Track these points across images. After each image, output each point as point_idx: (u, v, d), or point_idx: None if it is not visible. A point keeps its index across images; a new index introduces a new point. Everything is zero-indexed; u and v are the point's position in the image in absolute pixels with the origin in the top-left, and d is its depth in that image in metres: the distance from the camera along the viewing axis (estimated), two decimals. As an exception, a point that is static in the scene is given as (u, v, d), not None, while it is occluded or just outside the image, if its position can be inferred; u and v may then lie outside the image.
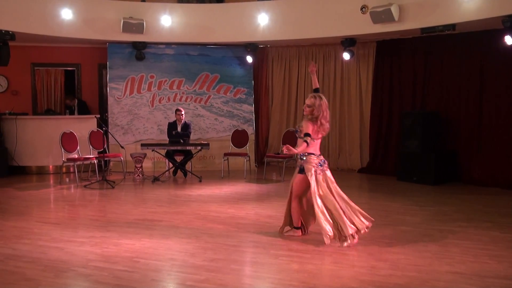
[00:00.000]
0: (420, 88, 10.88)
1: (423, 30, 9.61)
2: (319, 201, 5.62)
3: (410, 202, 8.11)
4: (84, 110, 12.33)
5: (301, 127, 5.74)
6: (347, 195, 5.72)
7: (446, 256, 5.18)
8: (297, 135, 5.88)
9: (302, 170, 5.78)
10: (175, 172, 11.07)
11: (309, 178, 5.67)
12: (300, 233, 6.00)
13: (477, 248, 5.46)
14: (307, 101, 5.76)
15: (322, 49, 12.32)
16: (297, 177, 5.88)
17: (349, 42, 11.04)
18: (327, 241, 5.48)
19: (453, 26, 9.16)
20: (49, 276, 4.58)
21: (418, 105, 10.87)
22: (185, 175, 10.90)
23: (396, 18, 9.65)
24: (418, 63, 10.89)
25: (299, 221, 6.01)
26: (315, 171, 5.69)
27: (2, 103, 11.91)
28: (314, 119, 5.68)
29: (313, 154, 5.74)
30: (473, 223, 6.64)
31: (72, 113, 12.37)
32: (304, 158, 5.74)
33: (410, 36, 10.66)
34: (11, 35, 10.29)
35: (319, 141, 5.85)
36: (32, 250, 5.38)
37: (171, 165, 10.97)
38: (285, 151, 5.44)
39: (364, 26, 10.27)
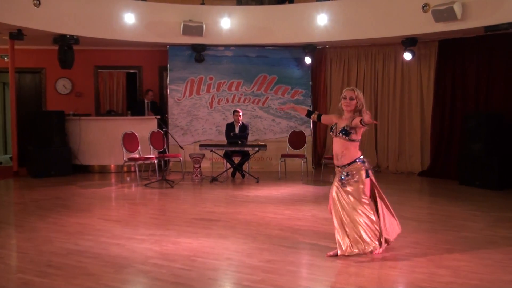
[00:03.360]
0: (484, 89, 10.49)
1: (486, 28, 9.26)
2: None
3: (473, 207, 7.82)
4: (154, 109, 12.59)
5: (348, 126, 5.03)
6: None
7: (510, 264, 4.95)
8: (346, 137, 5.09)
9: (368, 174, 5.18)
10: (233, 174, 11.15)
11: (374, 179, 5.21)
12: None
13: (543, 257, 5.21)
14: (350, 94, 5.06)
15: (382, 49, 12.13)
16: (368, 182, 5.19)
17: (410, 42, 10.82)
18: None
19: (518, 24, 8.79)
20: (109, 271, 4.70)
21: (482, 106, 10.48)
22: (243, 176, 10.97)
23: (459, 16, 9.36)
24: (482, 63, 10.52)
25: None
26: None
27: (66, 105, 12.36)
28: (357, 112, 5.05)
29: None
30: (540, 230, 6.35)
31: (142, 109, 12.60)
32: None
33: (473, 35, 10.31)
34: (76, 40, 10.75)
35: None
36: (94, 246, 5.53)
37: (229, 165, 11.07)
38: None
39: (426, 25, 10.04)
